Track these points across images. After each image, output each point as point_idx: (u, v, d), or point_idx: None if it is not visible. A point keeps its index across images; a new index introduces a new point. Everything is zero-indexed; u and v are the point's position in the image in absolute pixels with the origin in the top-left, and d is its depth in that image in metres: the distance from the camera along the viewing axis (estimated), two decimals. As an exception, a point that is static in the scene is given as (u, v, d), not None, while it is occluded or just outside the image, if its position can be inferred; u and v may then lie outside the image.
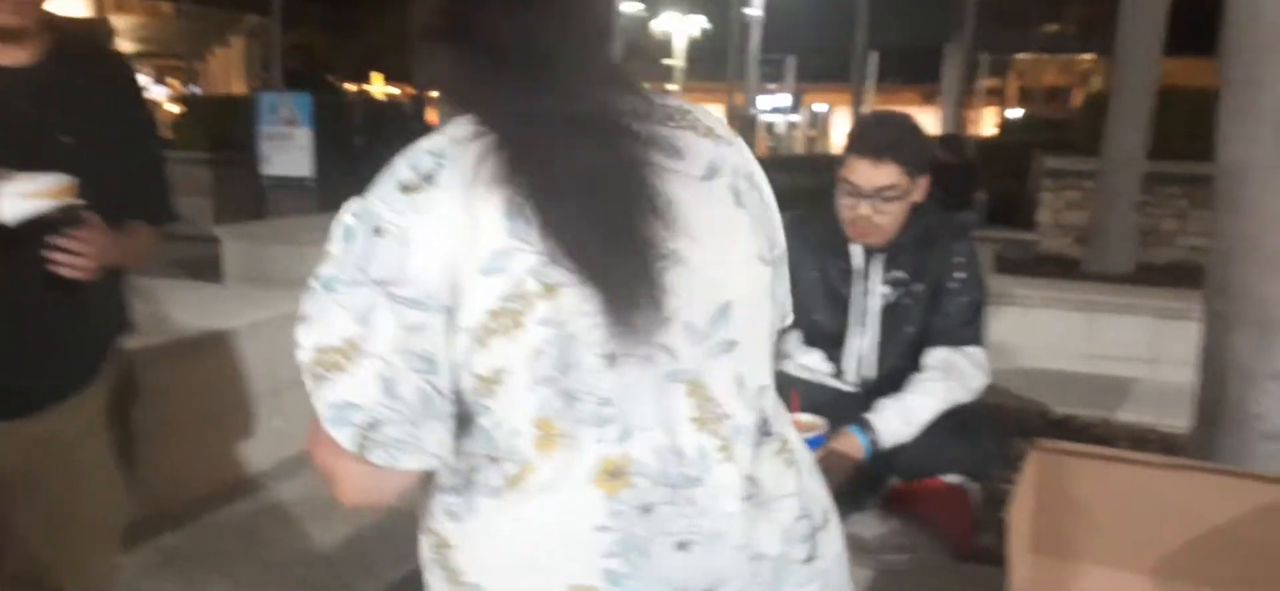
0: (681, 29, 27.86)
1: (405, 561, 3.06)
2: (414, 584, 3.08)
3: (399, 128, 11.31)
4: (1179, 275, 5.89)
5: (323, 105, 9.64)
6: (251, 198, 9.47)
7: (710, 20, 28.17)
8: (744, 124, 21.53)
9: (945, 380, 2.31)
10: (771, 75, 27.92)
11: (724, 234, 0.95)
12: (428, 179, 0.86)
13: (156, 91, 21.15)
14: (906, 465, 2.31)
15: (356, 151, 10.07)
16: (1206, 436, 2.87)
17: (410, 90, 22.76)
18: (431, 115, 12.85)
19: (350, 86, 21.35)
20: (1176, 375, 3.49)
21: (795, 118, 33.51)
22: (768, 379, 1.00)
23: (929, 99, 19.79)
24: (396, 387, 0.85)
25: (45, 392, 1.72)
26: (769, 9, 20.79)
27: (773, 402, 1.01)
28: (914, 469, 2.32)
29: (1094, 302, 5.26)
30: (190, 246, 7.55)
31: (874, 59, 24.52)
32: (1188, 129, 6.82)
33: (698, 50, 28.94)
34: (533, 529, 0.90)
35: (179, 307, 3.75)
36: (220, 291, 4.99)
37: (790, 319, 1.12)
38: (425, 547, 1.00)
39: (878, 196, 2.27)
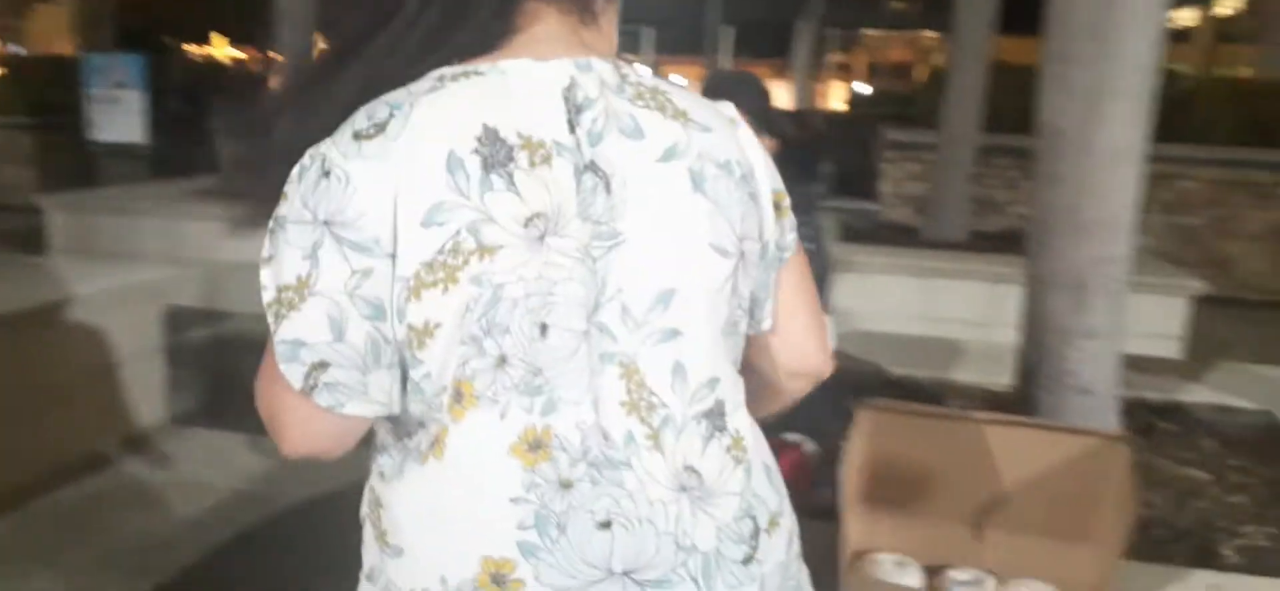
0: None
1: (249, 544, 2.97)
2: (257, 564, 3.00)
3: (226, 91, 10.64)
4: (1010, 242, 6.22)
5: (159, 68, 9.16)
6: (80, 165, 8.94)
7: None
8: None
9: None
10: (628, 46, 27.99)
11: (675, 219, 0.92)
12: (379, 127, 0.85)
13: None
14: None
15: (176, 117, 9.41)
16: (1027, 393, 3.06)
17: (256, 53, 21.83)
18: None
19: (193, 49, 20.36)
20: (1007, 336, 3.69)
21: (653, 89, 33.65)
22: (722, 372, 0.96)
23: (782, 73, 20.26)
24: (345, 331, 0.85)
25: None
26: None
27: (730, 397, 0.97)
28: None
29: (931, 269, 5.50)
30: (13, 217, 7.10)
31: (729, 33, 24.84)
32: (1019, 104, 7.18)
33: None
34: (450, 497, 0.89)
35: (-4, 282, 3.53)
36: (44, 264, 4.70)
37: (767, 324, 1.05)
38: (364, 503, 0.99)
39: None
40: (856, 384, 3.62)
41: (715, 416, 0.95)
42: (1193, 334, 5.47)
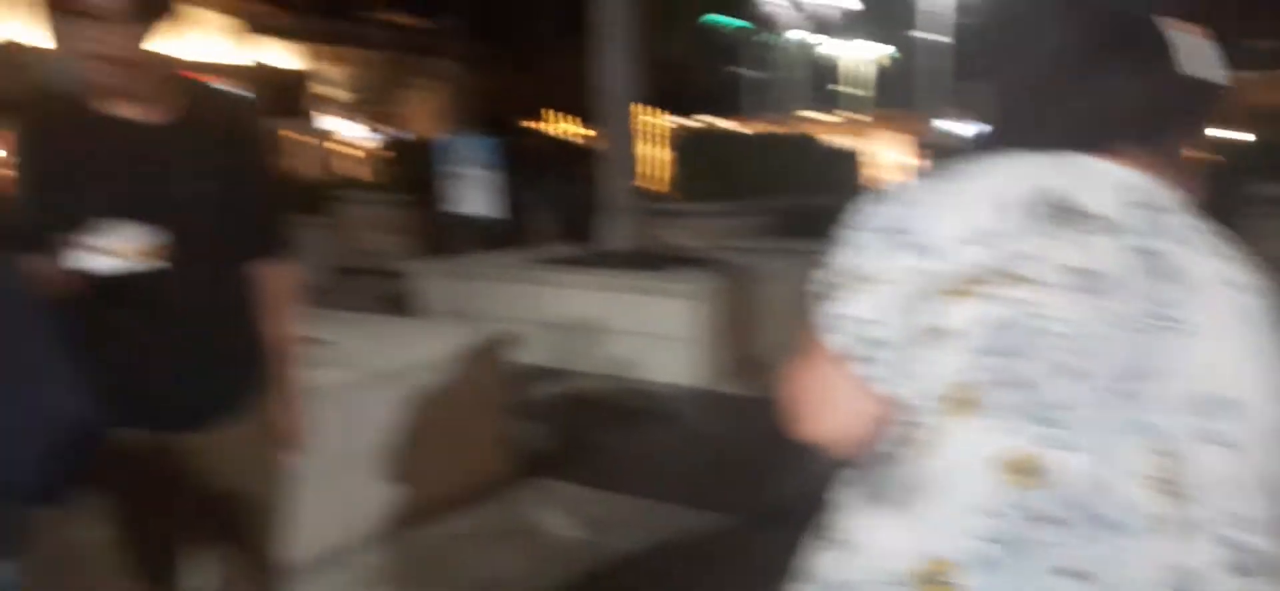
0: (869, 57, 27.55)
1: (576, 582, 3.17)
2: None
3: (566, 169, 11.43)
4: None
5: (509, 147, 10.10)
6: (442, 236, 9.96)
7: (898, 48, 27.68)
8: (936, 153, 21.04)
9: None
10: (964, 102, 27.20)
11: (1241, 344, 0.93)
12: (954, 172, 0.98)
13: (365, 136, 22.59)
14: None
15: (523, 191, 10.31)
16: None
17: (588, 130, 23.36)
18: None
19: (538, 126, 22.21)
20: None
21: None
22: (1266, 526, 0.91)
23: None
24: (898, 317, 0.93)
25: (207, 413, 1.96)
26: (960, 33, 20.27)
27: (1273, 564, 0.91)
28: None
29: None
30: (387, 281, 8.08)
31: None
32: None
33: (887, 78, 28.53)
34: (917, 493, 0.92)
35: (373, 340, 4.02)
36: (413, 324, 5.30)
37: None
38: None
39: None
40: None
41: (1251, 556, 0.90)
42: None
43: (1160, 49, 0.96)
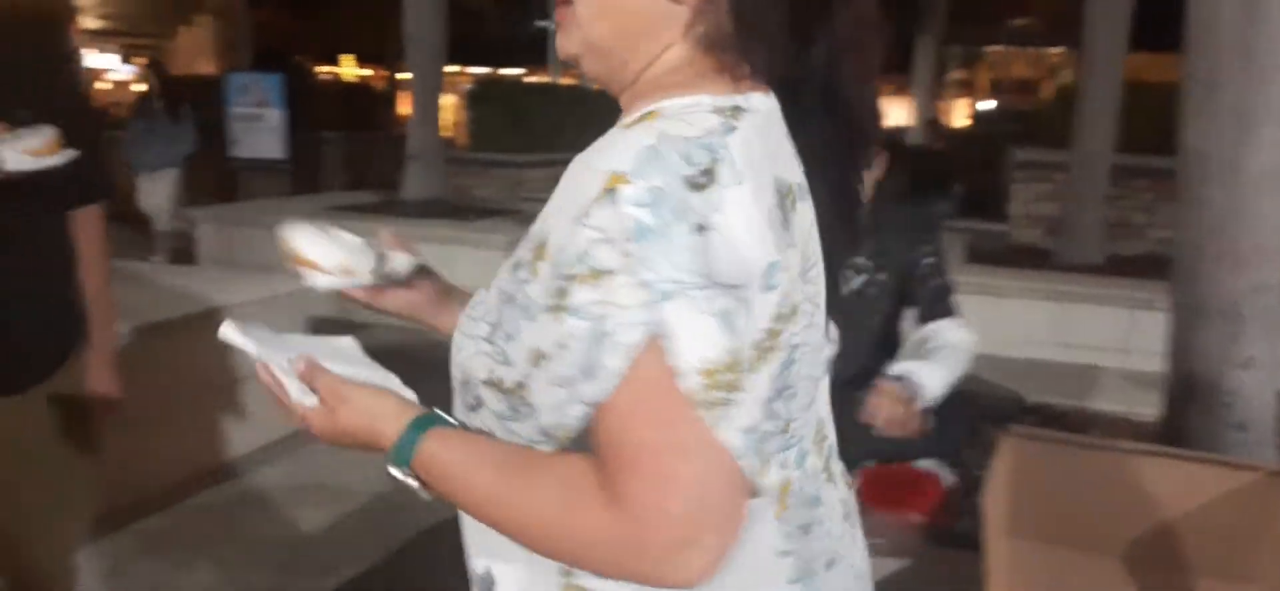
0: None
1: (387, 544, 3.06)
2: (396, 566, 3.04)
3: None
4: (1148, 266, 5.99)
5: (297, 88, 9.58)
6: (224, 180, 9.38)
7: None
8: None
9: (950, 346, 2.25)
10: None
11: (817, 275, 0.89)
12: (709, 175, 0.72)
13: (124, 71, 20.84)
14: (877, 450, 2.31)
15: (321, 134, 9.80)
16: (1177, 425, 2.93)
17: (383, 72, 22.51)
18: (403, 102, 12.68)
19: (330, 70, 21.14)
20: (1147, 364, 3.53)
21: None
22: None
23: (901, 90, 19.99)
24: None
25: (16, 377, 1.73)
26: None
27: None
28: (885, 454, 2.33)
29: (1066, 293, 5.33)
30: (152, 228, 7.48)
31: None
32: (1155, 123, 6.93)
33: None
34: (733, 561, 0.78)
35: (152, 290, 3.72)
36: (194, 274, 4.94)
37: None
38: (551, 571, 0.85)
39: None
40: (992, 411, 3.53)
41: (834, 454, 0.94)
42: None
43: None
